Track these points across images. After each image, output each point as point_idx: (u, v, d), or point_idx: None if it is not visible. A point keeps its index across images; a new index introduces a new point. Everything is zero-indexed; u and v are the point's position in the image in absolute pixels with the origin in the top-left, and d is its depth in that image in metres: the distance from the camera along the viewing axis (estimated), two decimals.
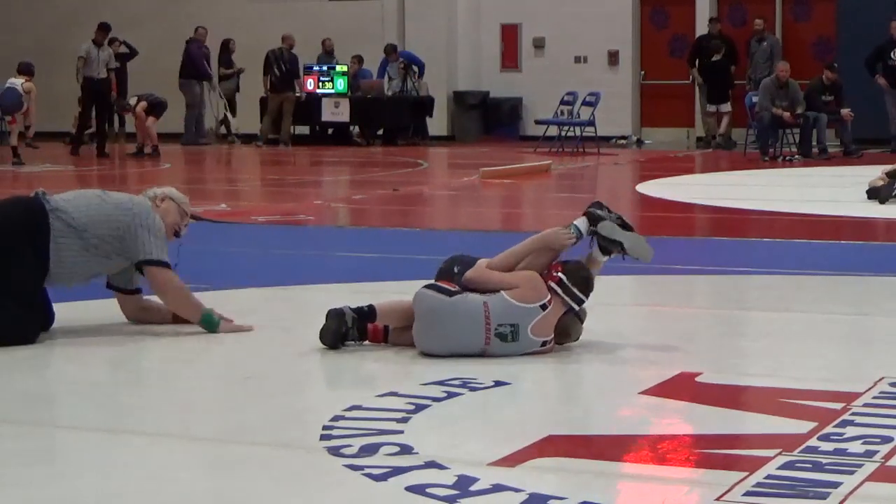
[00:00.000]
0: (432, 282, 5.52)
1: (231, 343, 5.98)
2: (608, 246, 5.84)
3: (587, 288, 5.59)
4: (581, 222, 5.72)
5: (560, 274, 5.41)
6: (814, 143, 17.37)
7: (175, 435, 4.61)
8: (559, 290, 5.37)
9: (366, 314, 5.52)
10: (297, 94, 20.87)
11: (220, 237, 10.43)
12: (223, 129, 22.23)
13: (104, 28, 18.85)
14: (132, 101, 18.86)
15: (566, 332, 5.67)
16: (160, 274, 5.75)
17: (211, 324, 5.90)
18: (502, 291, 5.31)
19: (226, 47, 21.37)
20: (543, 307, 5.29)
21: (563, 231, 5.70)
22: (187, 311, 5.89)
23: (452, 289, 5.41)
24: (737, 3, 21.11)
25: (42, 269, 5.84)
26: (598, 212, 5.86)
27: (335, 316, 5.44)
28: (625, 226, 5.89)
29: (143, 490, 3.84)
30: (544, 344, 5.44)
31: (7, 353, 5.57)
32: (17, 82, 17.99)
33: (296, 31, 21.07)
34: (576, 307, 5.50)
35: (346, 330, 5.41)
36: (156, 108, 18.35)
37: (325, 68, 20.96)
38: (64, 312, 6.11)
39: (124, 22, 21.34)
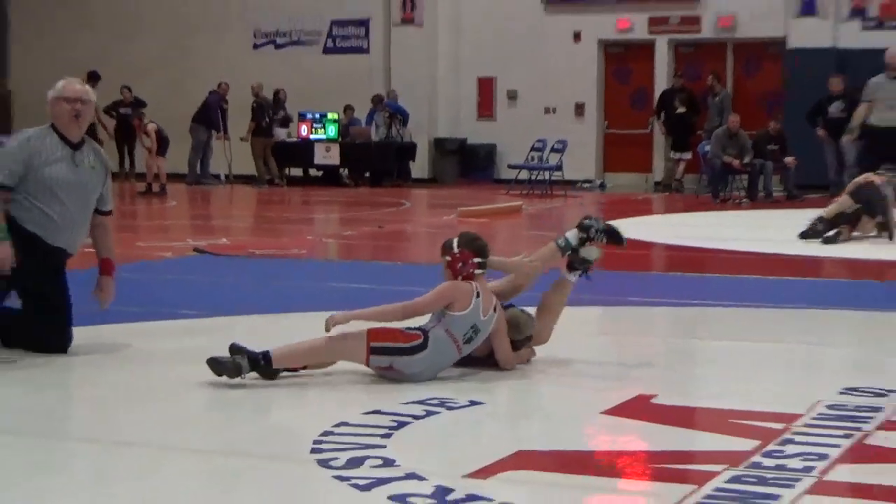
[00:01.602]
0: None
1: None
2: (577, 264, 6.12)
3: (483, 250, 5.84)
4: (572, 234, 6.02)
5: (461, 256, 5.63)
6: (760, 188, 18.24)
7: (177, 448, 4.86)
8: (476, 271, 5.62)
9: (259, 364, 5.53)
10: (276, 139, 21.78)
11: (220, 269, 10.95)
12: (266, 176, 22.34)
13: (93, 76, 19.43)
14: (149, 124, 19.61)
15: (517, 326, 5.94)
16: None
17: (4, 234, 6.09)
18: (446, 311, 5.50)
19: (277, 97, 22.32)
20: (478, 295, 5.49)
21: (528, 264, 6.04)
22: None
23: (416, 341, 5.50)
24: (692, 60, 22.09)
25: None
26: (586, 221, 6.10)
27: (231, 367, 5.46)
28: (610, 231, 6.14)
29: (144, 500, 4.05)
30: (496, 309, 5.63)
31: (14, 369, 5.90)
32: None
33: (292, 80, 22.32)
34: (484, 263, 5.72)
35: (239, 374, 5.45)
36: (162, 143, 19.31)
37: (317, 116, 21.90)
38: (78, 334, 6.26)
39: (134, 70, 22.51)
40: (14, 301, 6.55)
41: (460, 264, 5.61)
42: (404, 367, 5.42)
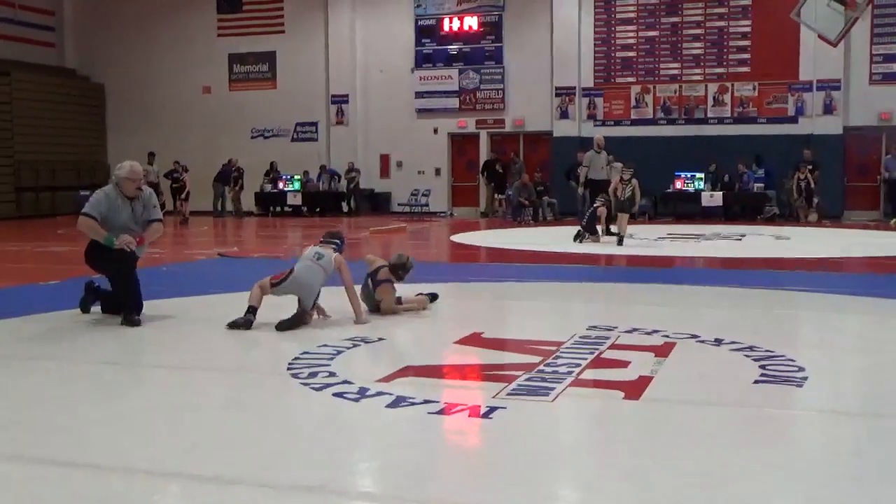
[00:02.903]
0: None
1: (229, 315, 7.53)
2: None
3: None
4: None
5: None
6: (540, 215, 23.30)
7: (207, 368, 6.11)
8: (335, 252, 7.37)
9: (254, 311, 7.21)
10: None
11: (234, 265, 12.62)
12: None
13: (152, 154, 25.08)
14: (184, 174, 24.15)
15: (400, 261, 7.87)
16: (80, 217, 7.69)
17: (110, 241, 7.62)
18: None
19: (275, 168, 27.14)
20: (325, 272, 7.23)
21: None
22: (94, 236, 7.79)
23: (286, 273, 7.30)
24: (500, 144, 27.22)
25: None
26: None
27: (245, 323, 7.18)
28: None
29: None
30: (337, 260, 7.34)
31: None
32: None
33: (274, 157, 27.96)
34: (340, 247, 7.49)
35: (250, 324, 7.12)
36: (187, 193, 24.26)
37: (288, 177, 27.37)
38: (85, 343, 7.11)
39: (181, 152, 26.95)
40: (103, 283, 8.12)
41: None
42: (288, 286, 7.27)
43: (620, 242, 15.43)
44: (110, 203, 7.80)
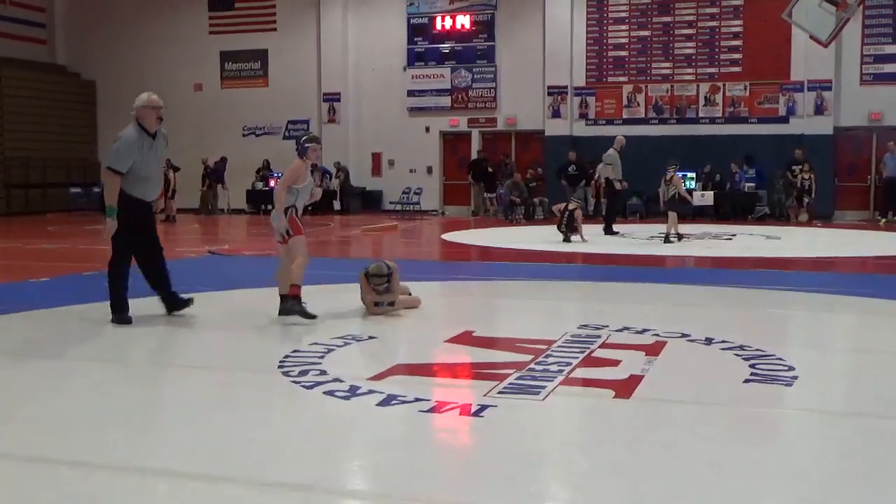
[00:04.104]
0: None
1: (220, 313, 7.77)
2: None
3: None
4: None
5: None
6: (532, 213, 23.52)
7: (202, 366, 6.11)
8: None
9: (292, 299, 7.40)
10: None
11: (224, 263, 12.66)
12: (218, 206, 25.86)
13: None
14: (170, 172, 23.04)
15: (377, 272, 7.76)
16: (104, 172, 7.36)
17: (111, 210, 7.32)
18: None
19: (267, 166, 27.03)
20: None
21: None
22: (107, 197, 7.39)
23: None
24: (491, 142, 27.20)
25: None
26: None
27: (295, 311, 7.34)
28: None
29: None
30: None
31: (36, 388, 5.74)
32: None
33: (265, 155, 27.68)
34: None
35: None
36: (173, 191, 23.50)
37: (279, 174, 23.51)
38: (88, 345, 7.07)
39: (175, 149, 20.70)
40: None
41: None
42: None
43: (667, 240, 15.83)
44: (137, 150, 7.47)
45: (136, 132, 7.49)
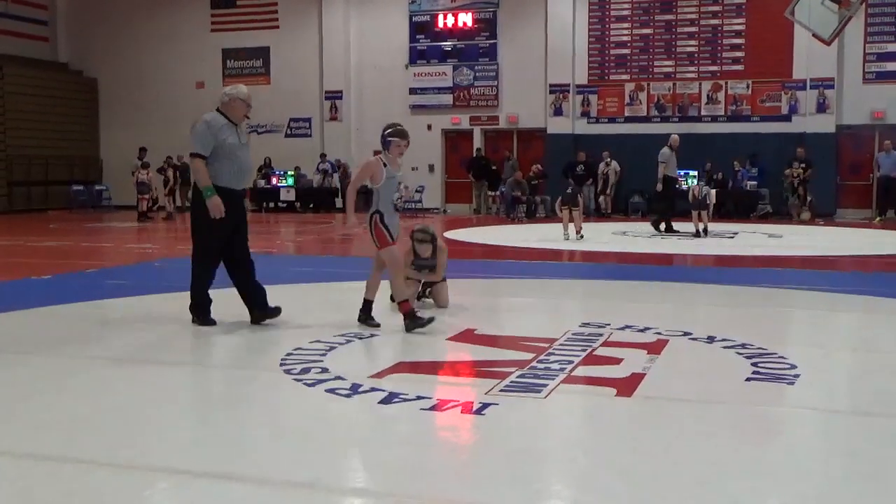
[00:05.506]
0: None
1: (222, 310, 7.43)
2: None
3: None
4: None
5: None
6: (534, 211, 23.54)
7: (209, 365, 6.15)
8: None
9: (368, 307, 7.09)
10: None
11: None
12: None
13: (143, 149, 24.44)
14: (169, 172, 23.69)
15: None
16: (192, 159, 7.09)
17: (208, 190, 6.98)
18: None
19: (269, 164, 27.11)
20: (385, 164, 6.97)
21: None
22: (199, 179, 7.02)
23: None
24: (492, 140, 27.47)
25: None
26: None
27: (363, 320, 7.10)
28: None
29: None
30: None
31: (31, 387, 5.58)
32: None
33: (268, 152, 27.56)
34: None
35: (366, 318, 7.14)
36: (170, 188, 24.01)
37: (281, 172, 27.52)
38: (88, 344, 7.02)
39: (173, 148, 25.82)
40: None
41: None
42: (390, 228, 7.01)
43: (697, 235, 16.44)
44: (217, 132, 7.13)
45: (218, 117, 7.26)
